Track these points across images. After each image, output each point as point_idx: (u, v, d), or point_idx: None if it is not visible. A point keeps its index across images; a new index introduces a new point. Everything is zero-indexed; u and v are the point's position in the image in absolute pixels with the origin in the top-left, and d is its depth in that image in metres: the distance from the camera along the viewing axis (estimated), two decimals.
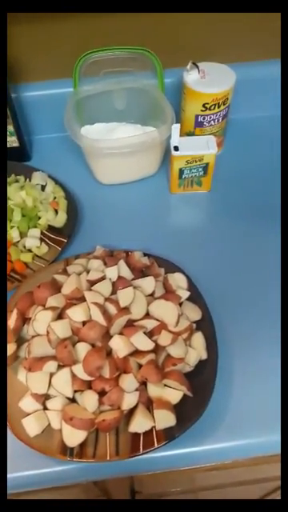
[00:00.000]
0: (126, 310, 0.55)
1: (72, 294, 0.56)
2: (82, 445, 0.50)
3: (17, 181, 0.79)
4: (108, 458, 0.49)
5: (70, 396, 0.52)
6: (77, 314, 0.54)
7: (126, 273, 0.60)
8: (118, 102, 0.85)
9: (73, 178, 0.83)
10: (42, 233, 0.72)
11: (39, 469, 0.52)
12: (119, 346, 0.53)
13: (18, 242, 0.71)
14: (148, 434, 0.51)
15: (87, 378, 0.52)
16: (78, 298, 0.57)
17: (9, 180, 0.79)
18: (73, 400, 0.53)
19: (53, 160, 0.86)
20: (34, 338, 0.54)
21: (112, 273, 0.58)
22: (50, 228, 0.73)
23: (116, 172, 0.79)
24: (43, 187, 0.78)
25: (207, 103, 0.77)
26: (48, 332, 0.53)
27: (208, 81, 0.76)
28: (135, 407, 0.52)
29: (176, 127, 0.74)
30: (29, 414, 0.52)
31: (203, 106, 0.78)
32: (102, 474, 0.52)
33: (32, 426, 0.50)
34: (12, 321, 0.57)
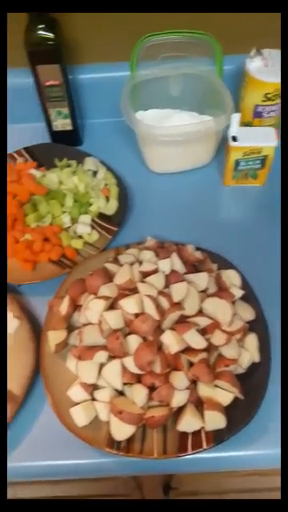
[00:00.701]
0: (178, 305, 0.54)
1: (125, 284, 0.55)
2: (129, 439, 0.50)
3: (68, 165, 0.78)
4: (155, 456, 0.48)
5: (119, 388, 0.51)
6: (130, 305, 0.52)
7: (179, 266, 0.58)
8: (174, 88, 0.82)
9: (123, 164, 0.81)
10: (92, 220, 0.71)
11: (84, 459, 0.52)
12: (171, 341, 0.51)
13: (69, 227, 0.70)
14: (196, 434, 0.49)
15: (137, 371, 0.51)
16: (130, 289, 0.55)
17: (60, 164, 0.78)
18: (120, 393, 0.52)
19: (104, 145, 0.84)
20: (86, 327, 0.53)
21: (165, 265, 0.57)
22: (101, 215, 0.72)
23: (169, 160, 0.77)
24: (94, 173, 0.77)
25: (269, 93, 0.74)
26: (100, 321, 0.53)
27: (271, 69, 0.73)
28: (184, 406, 0.51)
29: (236, 117, 0.71)
30: (77, 404, 0.51)
31: (265, 95, 0.74)
32: (146, 470, 0.52)
33: (80, 417, 0.50)
34: (64, 307, 0.57)
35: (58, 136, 0.82)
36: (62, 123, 0.80)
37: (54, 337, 0.56)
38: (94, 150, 0.82)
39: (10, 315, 0.60)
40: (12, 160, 0.80)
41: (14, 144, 0.83)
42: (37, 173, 0.76)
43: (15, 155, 0.81)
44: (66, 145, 0.82)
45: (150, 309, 0.52)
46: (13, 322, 0.59)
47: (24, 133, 0.87)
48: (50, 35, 0.67)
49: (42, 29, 0.67)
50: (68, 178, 0.74)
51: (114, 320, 0.52)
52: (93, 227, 0.71)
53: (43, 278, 0.64)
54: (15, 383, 0.54)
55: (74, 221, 0.71)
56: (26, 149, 0.81)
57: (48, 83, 0.73)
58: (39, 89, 0.74)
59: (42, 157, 0.80)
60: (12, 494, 0.80)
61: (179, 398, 0.50)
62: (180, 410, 0.51)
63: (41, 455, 0.52)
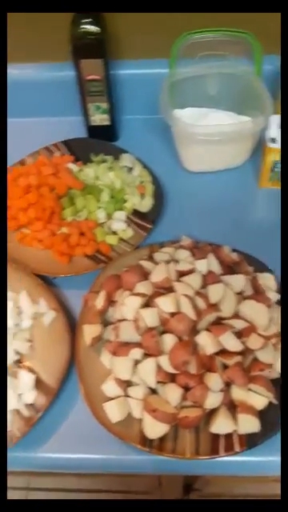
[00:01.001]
0: (215, 306, 0.54)
1: (161, 283, 0.55)
2: (162, 438, 0.50)
3: (104, 161, 0.78)
4: (188, 456, 0.48)
5: (153, 386, 0.51)
6: (167, 304, 0.52)
7: (216, 267, 0.58)
8: (212, 87, 0.82)
9: (158, 162, 0.80)
10: (126, 216, 0.71)
11: (115, 454, 0.52)
12: (207, 342, 0.51)
13: (104, 223, 0.71)
14: (229, 437, 0.50)
15: (172, 370, 0.51)
16: (165, 288, 0.56)
17: (96, 159, 0.79)
18: (153, 391, 0.53)
19: (139, 142, 0.84)
20: (122, 323, 0.54)
21: (202, 266, 0.57)
22: (135, 212, 0.72)
23: (205, 160, 0.77)
24: (130, 170, 0.77)
25: None
26: (136, 318, 0.53)
27: None
28: (217, 408, 0.51)
29: (275, 118, 0.70)
30: (110, 399, 0.52)
31: None
32: (177, 469, 0.52)
33: (114, 412, 0.50)
34: (100, 302, 0.57)
35: (94, 131, 0.83)
36: (100, 118, 0.80)
37: (89, 330, 0.57)
38: (130, 146, 0.82)
39: (45, 306, 0.61)
40: (48, 153, 0.80)
41: (50, 137, 0.83)
42: (74, 167, 0.76)
43: (52, 148, 0.81)
44: (102, 140, 0.82)
45: (187, 309, 0.52)
46: (49, 314, 0.60)
47: (61, 126, 0.88)
48: (96, 30, 0.67)
49: (88, 23, 0.67)
50: (104, 174, 0.74)
51: (150, 318, 0.52)
52: (127, 224, 0.71)
53: (78, 271, 0.65)
54: (50, 374, 0.55)
55: (109, 217, 0.71)
56: (64, 142, 0.82)
57: (89, 77, 0.73)
58: (80, 83, 0.74)
59: (78, 151, 0.80)
60: (26, 482, 0.81)
61: (213, 400, 0.50)
62: (212, 411, 0.51)
63: (71, 448, 0.53)
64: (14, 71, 0.82)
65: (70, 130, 0.86)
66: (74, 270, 0.65)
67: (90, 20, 0.67)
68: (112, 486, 0.68)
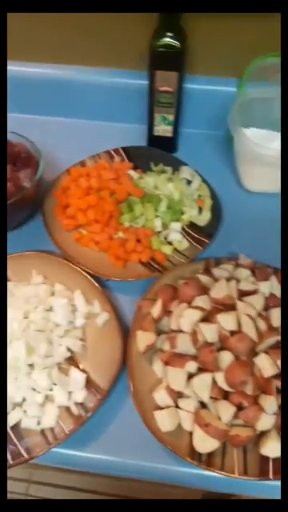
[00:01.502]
0: (276, 329, 0.54)
1: (222, 299, 0.55)
2: (211, 453, 0.50)
3: (163, 171, 0.79)
4: (236, 475, 0.48)
5: (206, 401, 0.51)
6: (228, 321, 0.53)
7: (277, 290, 0.58)
8: (278, 111, 0.82)
9: (215, 177, 0.81)
10: (182, 228, 0.72)
11: (161, 464, 0.52)
12: (265, 365, 0.51)
13: (160, 232, 0.71)
14: (278, 460, 0.49)
15: (227, 388, 0.51)
16: (226, 305, 0.56)
17: (156, 169, 0.80)
18: (203, 405, 0.53)
19: (197, 156, 0.84)
20: (179, 334, 0.54)
21: (265, 288, 0.57)
22: (192, 225, 0.73)
23: (267, 180, 0.77)
24: (189, 182, 0.78)
25: None
26: (194, 332, 0.53)
27: None
28: (269, 430, 0.50)
29: None
30: (160, 407, 0.52)
31: None
32: (222, 487, 0.52)
33: (164, 422, 0.51)
34: (156, 310, 0.58)
35: (155, 140, 0.84)
36: (164, 129, 0.81)
37: (143, 337, 0.57)
38: (188, 159, 0.83)
39: (99, 307, 0.61)
40: (108, 157, 0.82)
41: (110, 141, 0.85)
42: (134, 174, 0.77)
43: (113, 153, 0.82)
44: (161, 150, 0.83)
45: (249, 329, 0.52)
46: (102, 315, 0.60)
47: (121, 132, 0.89)
48: (177, 44, 0.69)
49: (171, 36, 0.68)
50: (163, 184, 0.75)
51: (209, 333, 0.52)
52: (182, 235, 0.71)
53: (132, 277, 0.66)
54: (101, 375, 0.56)
55: (165, 226, 0.72)
56: (124, 149, 0.83)
57: (162, 89, 0.74)
58: (151, 92, 0.75)
59: (138, 159, 0.81)
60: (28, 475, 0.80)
61: (266, 422, 0.50)
62: (263, 433, 0.51)
63: (117, 451, 0.53)
64: (91, 76, 0.84)
65: (129, 137, 0.88)
66: (128, 275, 0.66)
67: (172, 34, 0.68)
68: (137, 493, 0.68)
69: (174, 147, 0.85)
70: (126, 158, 0.82)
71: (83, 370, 0.57)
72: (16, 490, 0.81)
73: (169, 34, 0.68)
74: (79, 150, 0.83)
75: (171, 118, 0.79)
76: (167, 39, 0.69)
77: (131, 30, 0.78)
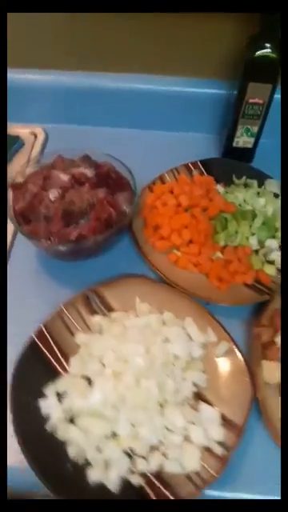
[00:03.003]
0: None
1: None
2: None
3: (247, 184, 0.77)
4: None
5: None
6: None
7: None
8: None
9: None
10: (279, 245, 0.70)
11: None
12: None
13: (258, 251, 0.69)
14: None
15: None
16: None
17: (238, 182, 0.77)
18: None
19: (273, 166, 0.82)
20: None
21: None
22: None
23: None
24: (277, 196, 0.75)
25: None
26: None
27: None
28: None
29: None
30: None
31: None
32: None
33: None
34: (279, 339, 0.56)
35: (232, 152, 0.81)
36: (245, 141, 0.79)
37: (271, 368, 0.55)
38: (263, 169, 0.80)
39: (214, 335, 0.59)
40: (187, 171, 0.79)
41: (182, 153, 0.82)
42: (221, 189, 0.75)
43: (191, 166, 0.79)
44: (237, 160, 0.81)
45: None
46: (222, 345, 0.58)
47: (191, 143, 0.87)
48: (274, 56, 0.66)
49: (269, 48, 0.65)
50: (253, 199, 0.73)
51: None
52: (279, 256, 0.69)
53: (240, 301, 0.63)
54: (233, 411, 0.54)
55: (261, 244, 0.70)
56: (202, 161, 0.80)
57: (252, 101, 0.71)
58: (239, 104, 0.73)
59: (217, 171, 0.79)
60: None
61: None
62: None
63: (261, 488, 0.51)
64: (161, 85, 0.81)
65: (200, 148, 0.85)
66: (235, 299, 0.64)
67: (271, 45, 0.65)
68: None
69: (251, 158, 0.83)
70: (204, 172, 0.79)
71: (213, 405, 0.54)
72: None
73: (267, 44, 0.66)
74: (150, 163, 0.79)
75: (255, 129, 0.76)
76: (266, 51, 0.66)
77: (209, 38, 0.75)
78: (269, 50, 0.65)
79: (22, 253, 0.70)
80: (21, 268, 0.69)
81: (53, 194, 0.64)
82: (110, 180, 0.67)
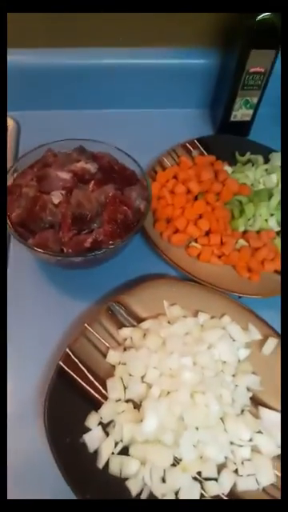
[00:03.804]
0: None
1: None
2: None
3: (251, 161, 0.72)
4: None
5: None
6: None
7: None
8: None
9: None
10: None
11: None
12: None
13: (279, 232, 0.65)
14: None
15: None
16: None
17: (242, 159, 0.72)
18: None
19: (269, 136, 0.77)
20: None
21: None
22: None
23: None
24: None
25: None
26: None
27: None
28: None
29: None
30: None
31: None
32: None
33: None
34: None
35: (229, 126, 0.75)
36: (243, 113, 0.73)
37: None
38: (261, 140, 0.76)
39: (257, 333, 0.55)
40: (187, 152, 0.72)
41: (174, 131, 0.76)
42: (228, 169, 0.69)
43: (189, 146, 0.73)
44: (233, 135, 0.76)
45: None
46: (270, 342, 0.54)
47: (181, 120, 0.80)
48: (275, 18, 0.60)
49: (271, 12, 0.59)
50: (264, 177, 0.68)
51: None
52: None
53: (275, 291, 0.59)
54: None
55: (279, 224, 0.66)
56: (199, 140, 0.74)
57: (253, 70, 0.66)
58: (238, 74, 0.67)
59: (217, 149, 0.73)
60: None
61: None
62: None
63: None
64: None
65: (192, 124, 0.79)
66: (270, 290, 0.59)
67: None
68: None
69: (248, 131, 0.77)
70: (204, 151, 0.73)
71: (274, 409, 0.51)
72: None
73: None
74: (141, 146, 0.69)
75: (255, 100, 0.71)
76: (268, 14, 0.59)
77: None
78: (270, 13, 0.59)
79: (19, 263, 0.61)
80: (20, 281, 0.60)
81: (56, 197, 0.55)
82: (115, 173, 0.59)
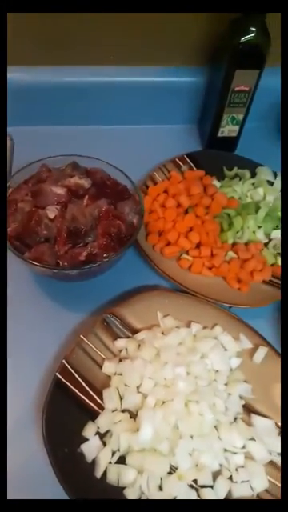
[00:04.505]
0: None
1: None
2: None
3: (236, 175, 0.74)
4: None
5: None
6: None
7: None
8: None
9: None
10: None
11: None
12: None
13: (267, 244, 0.67)
14: None
15: None
16: None
17: (229, 173, 0.74)
18: None
19: (256, 150, 0.80)
20: None
21: None
22: None
23: None
24: (271, 184, 0.74)
25: None
26: None
27: None
28: None
29: None
30: None
31: None
32: None
33: None
34: None
35: (216, 142, 0.78)
36: (230, 129, 0.76)
37: None
38: (249, 155, 0.78)
39: (248, 342, 0.57)
40: (176, 167, 0.75)
41: (162, 147, 0.78)
42: (217, 183, 0.72)
43: (178, 161, 0.75)
44: (220, 150, 0.78)
45: None
46: (260, 351, 0.56)
47: (169, 135, 0.82)
48: (262, 40, 0.63)
49: (255, 32, 0.62)
50: (251, 190, 0.71)
51: None
52: None
53: (263, 301, 0.61)
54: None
55: (267, 236, 0.68)
56: (189, 155, 0.76)
57: (238, 88, 0.68)
58: (224, 93, 0.69)
59: (205, 164, 0.75)
60: None
61: None
62: None
63: None
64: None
65: (180, 140, 0.81)
66: (258, 300, 0.61)
67: (256, 29, 0.62)
68: None
69: (235, 146, 0.80)
70: (193, 166, 0.75)
71: (266, 416, 0.52)
72: None
73: (253, 28, 0.62)
74: (131, 162, 0.70)
75: (240, 117, 0.74)
76: (252, 36, 0.62)
77: (180, 26, 0.70)
78: (254, 35, 0.62)
79: (15, 276, 0.62)
80: (17, 293, 0.61)
81: (51, 212, 0.57)
82: (108, 189, 0.61)
